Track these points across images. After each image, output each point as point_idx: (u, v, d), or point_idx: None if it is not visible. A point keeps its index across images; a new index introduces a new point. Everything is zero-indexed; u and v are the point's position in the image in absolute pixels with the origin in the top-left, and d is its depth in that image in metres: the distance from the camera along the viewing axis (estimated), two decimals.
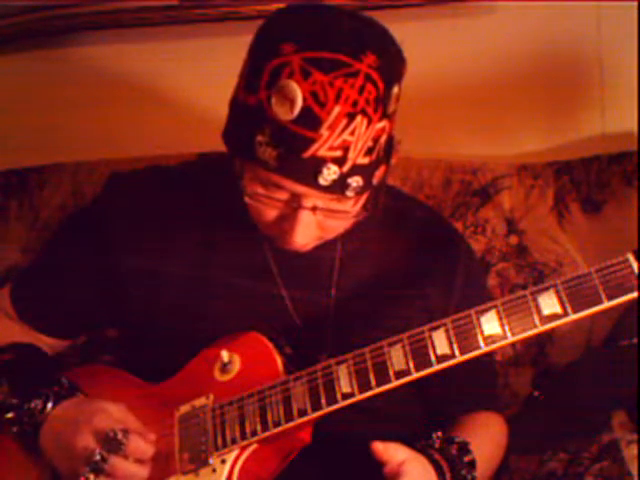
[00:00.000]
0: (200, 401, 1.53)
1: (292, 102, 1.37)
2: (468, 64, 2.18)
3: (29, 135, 2.32)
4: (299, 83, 1.36)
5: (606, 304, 1.36)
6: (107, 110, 2.29)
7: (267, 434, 1.46)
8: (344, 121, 1.37)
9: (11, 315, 1.71)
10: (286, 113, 1.37)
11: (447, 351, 1.40)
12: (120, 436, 1.44)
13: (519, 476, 1.82)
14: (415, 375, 1.41)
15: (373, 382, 1.42)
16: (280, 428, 1.45)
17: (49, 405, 1.53)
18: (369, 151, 1.42)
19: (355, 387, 1.43)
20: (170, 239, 1.64)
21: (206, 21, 2.25)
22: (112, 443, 1.44)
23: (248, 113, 1.42)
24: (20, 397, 1.54)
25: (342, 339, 1.57)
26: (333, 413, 1.44)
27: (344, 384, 1.44)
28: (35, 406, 1.53)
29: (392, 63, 1.43)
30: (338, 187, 1.42)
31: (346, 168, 1.40)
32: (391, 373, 1.42)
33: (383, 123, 1.42)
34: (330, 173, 1.40)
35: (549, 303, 1.38)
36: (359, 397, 1.43)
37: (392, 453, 1.40)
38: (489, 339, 1.40)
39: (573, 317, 1.37)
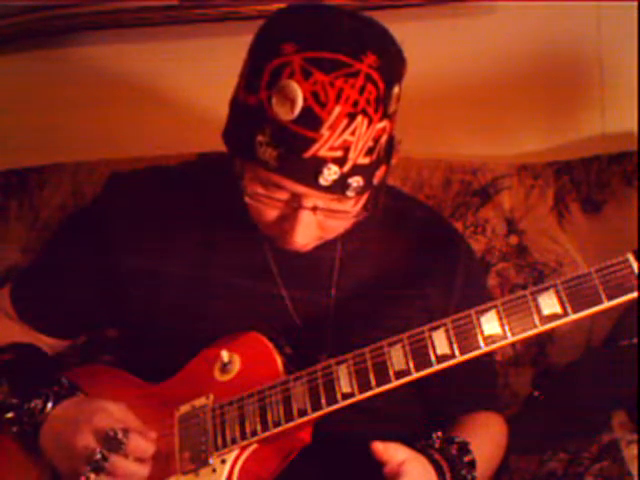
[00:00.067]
0: (200, 401, 1.53)
1: (293, 102, 1.37)
2: (468, 64, 2.18)
3: (29, 135, 2.32)
4: (300, 83, 1.36)
5: (606, 304, 1.36)
6: (107, 110, 2.29)
7: (267, 434, 1.46)
8: (345, 121, 1.37)
9: (11, 315, 1.71)
10: (287, 113, 1.37)
11: (447, 351, 1.40)
12: (120, 435, 1.44)
13: (519, 476, 1.82)
14: (415, 375, 1.41)
15: (373, 382, 1.42)
16: (280, 428, 1.45)
17: (49, 405, 1.53)
18: (370, 151, 1.42)
19: (355, 387, 1.43)
20: (170, 239, 1.64)
21: (206, 21, 2.25)
22: (112, 442, 1.44)
23: (248, 113, 1.42)
24: (20, 397, 1.54)
25: (342, 339, 1.57)
26: (333, 413, 1.44)
27: (344, 384, 1.44)
28: (35, 406, 1.53)
29: (392, 63, 1.43)
30: (339, 187, 1.42)
31: (347, 168, 1.40)
32: (391, 373, 1.42)
33: (384, 123, 1.42)
34: (331, 173, 1.40)
35: (549, 303, 1.38)
36: (359, 397, 1.43)
37: (392, 453, 1.40)
38: (489, 339, 1.40)
39: (573, 317, 1.37)
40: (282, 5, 1.53)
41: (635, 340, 1.82)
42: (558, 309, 1.37)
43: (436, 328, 1.42)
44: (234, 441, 1.48)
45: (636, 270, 1.35)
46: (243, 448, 1.48)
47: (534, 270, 2.03)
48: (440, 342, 1.41)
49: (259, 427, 1.46)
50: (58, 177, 2.18)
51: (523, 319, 1.39)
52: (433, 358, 1.41)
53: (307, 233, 1.48)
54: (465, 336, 1.40)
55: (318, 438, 1.49)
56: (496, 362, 1.84)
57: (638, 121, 2.03)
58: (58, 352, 1.76)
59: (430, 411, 1.68)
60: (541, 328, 1.38)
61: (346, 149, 1.39)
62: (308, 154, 1.38)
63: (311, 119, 1.37)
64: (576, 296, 1.37)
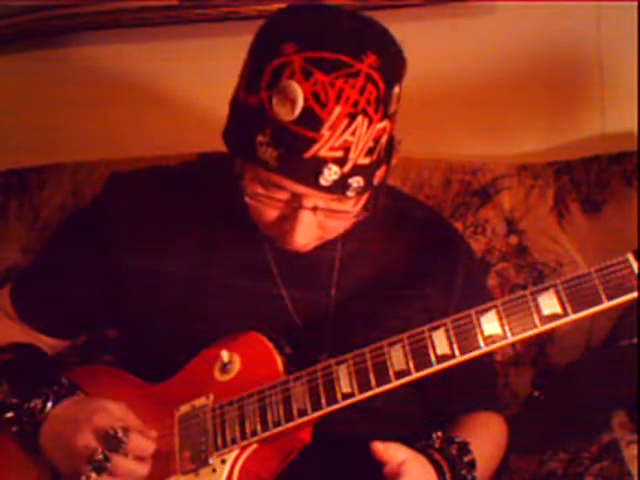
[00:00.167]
0: (200, 401, 1.53)
1: (293, 102, 1.37)
2: (468, 64, 2.18)
3: (29, 135, 2.32)
4: (300, 83, 1.36)
5: (606, 304, 1.36)
6: (107, 110, 2.29)
7: (267, 434, 1.46)
8: (345, 121, 1.37)
9: (11, 315, 1.71)
10: (287, 113, 1.37)
11: (447, 351, 1.40)
12: (120, 434, 1.44)
13: (519, 476, 1.82)
14: (415, 375, 1.41)
15: (373, 382, 1.42)
16: (280, 428, 1.45)
17: (49, 405, 1.53)
18: (370, 151, 1.42)
19: (355, 387, 1.43)
20: (170, 239, 1.64)
21: (206, 21, 2.25)
22: (112, 441, 1.44)
23: (249, 113, 1.42)
24: (20, 397, 1.54)
25: (342, 339, 1.57)
26: (333, 413, 1.44)
27: (344, 384, 1.44)
28: (35, 406, 1.53)
29: (393, 63, 1.43)
30: (339, 187, 1.42)
31: (347, 168, 1.40)
32: (391, 373, 1.42)
33: (384, 123, 1.42)
34: (331, 173, 1.40)
35: (549, 303, 1.38)
36: (359, 397, 1.43)
37: (392, 453, 1.40)
38: (489, 339, 1.40)
39: (573, 317, 1.37)
40: (282, 5, 1.53)
41: (635, 340, 1.82)
42: (558, 309, 1.37)
43: (436, 328, 1.42)
44: (234, 441, 1.48)
45: (636, 270, 1.35)
46: (243, 448, 1.48)
47: (534, 270, 2.03)
48: (440, 342, 1.41)
49: (259, 427, 1.46)
50: (58, 177, 2.18)
51: (523, 319, 1.39)
52: (433, 358, 1.41)
53: (307, 233, 1.48)
54: (465, 336, 1.40)
55: (318, 438, 1.49)
56: (496, 362, 1.84)
57: (638, 121, 2.03)
58: (58, 352, 1.76)
59: (430, 411, 1.68)
60: (541, 328, 1.38)
61: (346, 149, 1.39)
62: (308, 154, 1.38)
63: (311, 119, 1.37)
64: (576, 296, 1.37)
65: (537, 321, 1.38)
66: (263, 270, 1.62)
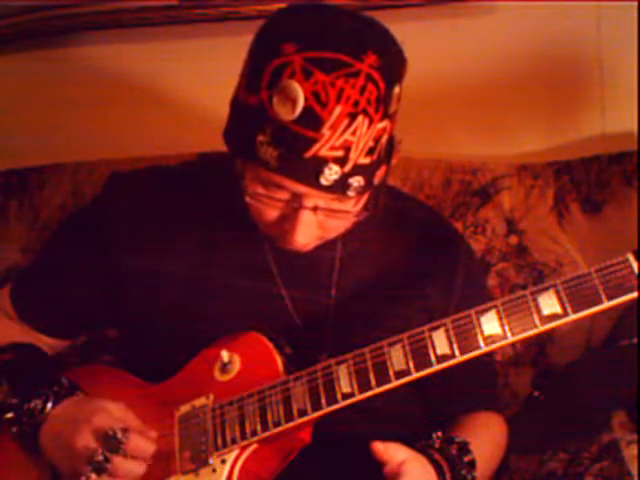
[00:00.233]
0: (200, 401, 1.53)
1: (294, 102, 1.37)
2: (468, 64, 2.18)
3: (29, 135, 2.32)
4: (301, 83, 1.36)
5: (606, 304, 1.36)
6: (107, 110, 2.29)
7: (267, 434, 1.46)
8: (345, 121, 1.37)
9: (11, 315, 1.71)
10: (287, 113, 1.37)
11: (447, 351, 1.40)
12: (119, 434, 1.44)
13: (519, 476, 1.82)
14: (415, 375, 1.41)
15: (373, 382, 1.42)
16: (280, 428, 1.45)
17: (49, 405, 1.53)
18: (370, 151, 1.42)
19: (355, 387, 1.43)
20: (170, 239, 1.64)
21: (206, 21, 2.25)
22: (111, 441, 1.44)
23: (249, 113, 1.42)
24: (20, 397, 1.54)
25: (342, 339, 1.57)
26: (333, 413, 1.44)
27: (344, 384, 1.44)
28: (35, 406, 1.53)
29: (393, 63, 1.43)
30: (339, 187, 1.42)
31: (347, 168, 1.40)
32: (391, 373, 1.42)
33: (384, 123, 1.42)
34: (331, 173, 1.40)
35: (549, 303, 1.38)
36: (359, 397, 1.43)
37: (392, 453, 1.40)
38: (489, 339, 1.40)
39: (573, 317, 1.37)
40: (282, 5, 1.53)
41: (635, 340, 1.82)
42: (558, 309, 1.37)
43: (436, 328, 1.42)
44: (234, 441, 1.48)
45: (636, 270, 1.35)
46: (243, 448, 1.48)
47: (534, 270, 2.03)
48: (440, 342, 1.41)
49: (259, 427, 1.46)
50: (58, 177, 2.18)
51: (523, 319, 1.39)
52: (433, 358, 1.41)
53: (308, 233, 1.48)
54: (465, 336, 1.40)
55: (318, 438, 1.49)
56: (496, 362, 1.84)
57: (638, 121, 2.03)
58: (58, 352, 1.76)
59: (430, 411, 1.68)
60: (541, 328, 1.38)
61: (347, 149, 1.39)
62: (309, 154, 1.38)
63: (312, 119, 1.37)
64: (576, 296, 1.37)
65: (537, 321, 1.38)
66: (263, 270, 1.62)
